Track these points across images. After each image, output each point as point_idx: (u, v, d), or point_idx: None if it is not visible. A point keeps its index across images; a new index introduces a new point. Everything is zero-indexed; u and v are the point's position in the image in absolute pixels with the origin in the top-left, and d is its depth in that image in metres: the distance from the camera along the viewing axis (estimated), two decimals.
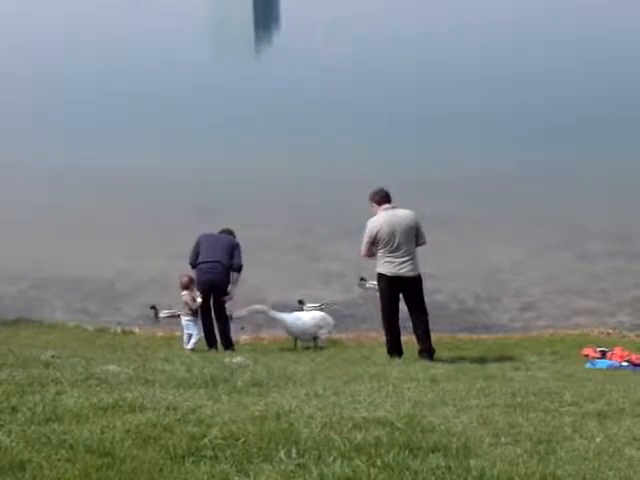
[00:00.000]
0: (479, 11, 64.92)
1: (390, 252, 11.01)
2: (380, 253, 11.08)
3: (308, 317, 13.37)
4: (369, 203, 11.35)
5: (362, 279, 17.50)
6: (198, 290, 13.01)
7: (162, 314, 16.78)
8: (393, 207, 11.24)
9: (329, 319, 13.54)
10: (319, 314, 13.63)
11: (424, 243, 11.27)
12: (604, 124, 31.44)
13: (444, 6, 68.27)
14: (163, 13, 70.51)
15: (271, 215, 21.93)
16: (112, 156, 27.79)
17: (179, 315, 15.84)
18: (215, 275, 12.75)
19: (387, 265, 11.08)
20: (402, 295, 11.30)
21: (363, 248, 11.18)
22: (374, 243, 11.06)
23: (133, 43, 55.67)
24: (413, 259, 11.10)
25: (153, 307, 16.85)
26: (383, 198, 11.27)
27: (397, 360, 10.98)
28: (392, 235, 10.97)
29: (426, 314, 11.43)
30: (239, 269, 12.86)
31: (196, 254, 12.87)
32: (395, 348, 11.37)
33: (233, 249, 12.86)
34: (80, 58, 49.82)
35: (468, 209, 21.58)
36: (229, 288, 12.89)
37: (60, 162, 27.46)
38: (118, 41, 55.11)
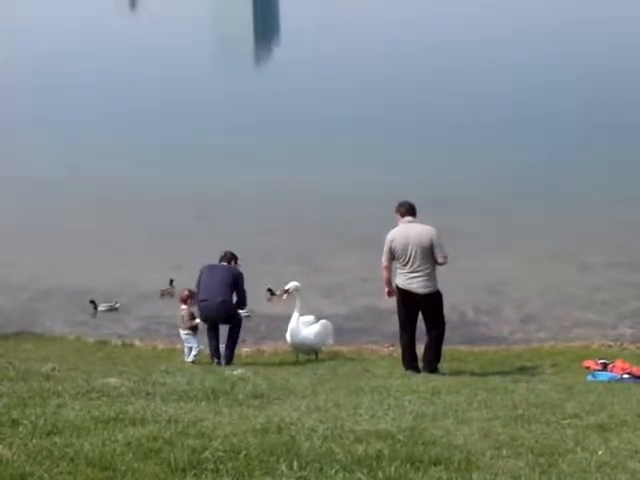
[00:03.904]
0: (479, 17, 64.98)
1: (403, 265, 11.08)
2: (397, 265, 11.16)
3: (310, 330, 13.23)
4: (394, 214, 11.40)
5: (269, 290, 17.37)
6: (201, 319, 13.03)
7: (101, 307, 17.38)
8: (413, 221, 11.25)
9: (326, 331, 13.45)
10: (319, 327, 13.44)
11: (443, 263, 11.09)
12: (603, 134, 31.43)
13: (445, 14, 68.21)
14: (162, 24, 70.49)
15: (271, 227, 21.90)
16: (111, 168, 27.76)
17: (117, 308, 17.25)
18: (213, 312, 12.75)
19: (400, 277, 11.16)
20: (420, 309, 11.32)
21: (383, 259, 11.23)
22: (392, 255, 11.12)
23: (132, 55, 55.53)
24: (426, 276, 11.03)
25: (92, 302, 17.41)
26: (407, 210, 11.30)
27: (409, 372, 10.99)
28: (404, 249, 10.99)
29: (439, 330, 11.37)
30: (244, 305, 12.91)
31: (198, 288, 12.90)
32: (408, 359, 11.37)
33: (235, 281, 12.69)
34: (78, 68, 49.77)
35: (467, 221, 21.54)
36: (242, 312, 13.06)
37: (60, 174, 27.43)
38: (116, 52, 55.03)
